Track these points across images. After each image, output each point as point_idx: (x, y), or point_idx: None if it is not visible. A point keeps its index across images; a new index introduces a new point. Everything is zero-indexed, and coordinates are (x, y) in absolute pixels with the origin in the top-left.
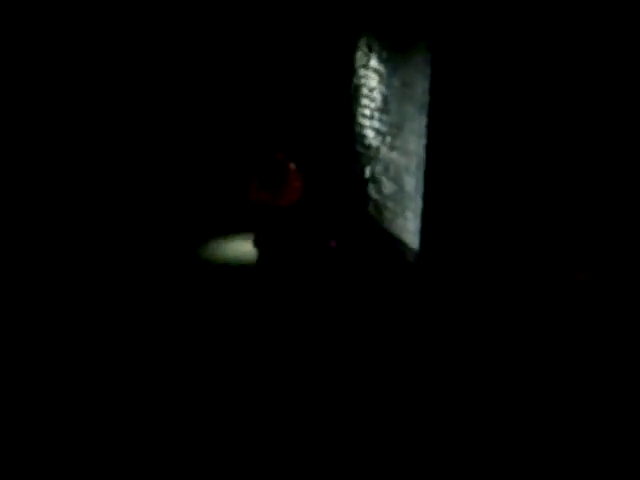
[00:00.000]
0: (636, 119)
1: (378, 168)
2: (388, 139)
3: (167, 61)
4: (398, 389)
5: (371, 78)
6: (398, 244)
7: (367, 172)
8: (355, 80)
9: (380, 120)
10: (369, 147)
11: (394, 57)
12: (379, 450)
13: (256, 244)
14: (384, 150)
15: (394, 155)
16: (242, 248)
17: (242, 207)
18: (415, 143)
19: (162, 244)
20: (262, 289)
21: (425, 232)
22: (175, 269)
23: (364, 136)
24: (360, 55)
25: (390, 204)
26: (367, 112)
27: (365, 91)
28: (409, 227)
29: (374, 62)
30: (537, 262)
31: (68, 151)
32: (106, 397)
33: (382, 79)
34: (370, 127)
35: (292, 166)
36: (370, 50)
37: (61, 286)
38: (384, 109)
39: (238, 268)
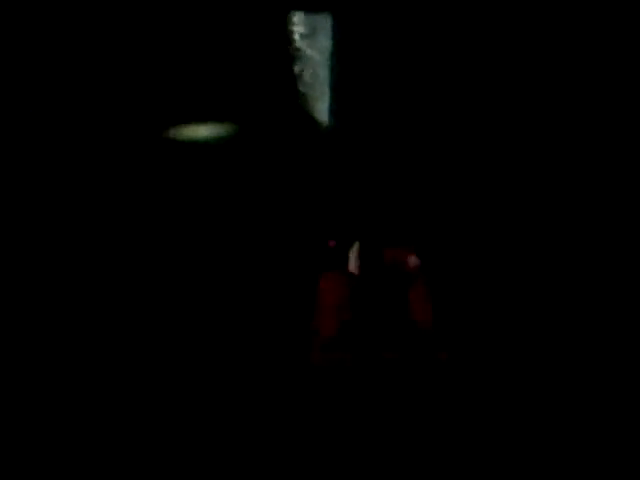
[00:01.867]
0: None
1: (305, 75)
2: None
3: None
4: None
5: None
6: (316, 121)
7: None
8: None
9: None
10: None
11: (310, 19)
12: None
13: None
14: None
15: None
16: None
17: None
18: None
19: None
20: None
21: (332, 111)
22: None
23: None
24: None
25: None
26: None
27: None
28: (323, 108)
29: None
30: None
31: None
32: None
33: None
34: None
35: (413, 261)
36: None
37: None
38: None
39: None
